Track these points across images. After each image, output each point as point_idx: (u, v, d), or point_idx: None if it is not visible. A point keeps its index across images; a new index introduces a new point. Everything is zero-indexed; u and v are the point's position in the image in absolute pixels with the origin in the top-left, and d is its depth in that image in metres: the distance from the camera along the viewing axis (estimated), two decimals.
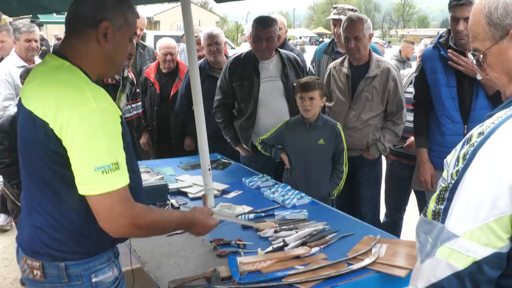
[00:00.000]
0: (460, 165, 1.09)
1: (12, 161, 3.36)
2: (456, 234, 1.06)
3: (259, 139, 3.45)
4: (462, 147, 1.12)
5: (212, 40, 4.19)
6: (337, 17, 4.11)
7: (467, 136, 1.13)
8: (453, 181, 1.09)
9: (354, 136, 3.43)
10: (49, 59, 1.62)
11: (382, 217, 3.93)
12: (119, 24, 1.60)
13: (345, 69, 3.49)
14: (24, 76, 3.57)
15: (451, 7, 2.86)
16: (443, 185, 1.13)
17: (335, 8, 4.41)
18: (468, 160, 1.07)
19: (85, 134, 1.42)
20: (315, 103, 3.14)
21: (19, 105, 1.63)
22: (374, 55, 3.50)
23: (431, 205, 1.13)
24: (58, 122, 1.42)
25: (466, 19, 2.75)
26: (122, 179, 1.48)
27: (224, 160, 3.87)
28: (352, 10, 4.17)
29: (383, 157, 3.73)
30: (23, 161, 1.62)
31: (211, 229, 1.90)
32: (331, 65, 3.67)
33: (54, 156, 1.47)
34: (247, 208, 2.75)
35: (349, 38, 3.37)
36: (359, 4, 76.11)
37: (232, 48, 17.44)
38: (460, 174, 1.08)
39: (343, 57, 3.61)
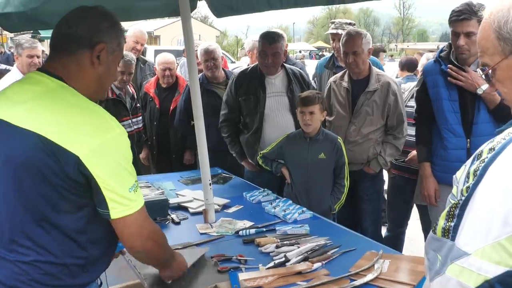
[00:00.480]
0: (471, 181, 1.06)
1: None
2: (467, 252, 1.02)
3: (260, 154, 3.43)
4: (472, 163, 1.09)
5: (209, 56, 4.19)
6: (334, 31, 4.13)
7: (477, 151, 1.11)
8: (463, 198, 1.07)
9: (354, 151, 3.42)
10: (40, 78, 1.53)
11: (384, 231, 3.90)
12: (113, 48, 1.60)
13: (345, 83, 3.49)
14: None
15: (451, 22, 2.86)
16: (452, 201, 1.10)
17: (333, 23, 4.44)
18: (479, 176, 1.05)
19: (117, 159, 1.45)
20: (316, 117, 3.13)
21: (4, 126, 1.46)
22: (374, 69, 3.51)
23: (441, 222, 1.11)
24: (86, 149, 1.38)
25: (467, 34, 2.77)
26: (141, 194, 1.55)
27: (225, 175, 3.86)
28: (350, 24, 4.19)
29: (384, 171, 3.71)
30: (12, 188, 1.44)
31: (181, 272, 1.95)
32: (331, 79, 3.68)
33: (69, 182, 1.41)
34: (248, 223, 2.72)
35: (348, 53, 3.39)
36: (358, 18, 76.80)
37: (232, 62, 17.50)
38: (471, 191, 1.05)
39: (343, 71, 3.62)
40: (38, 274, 1.45)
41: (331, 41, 4.37)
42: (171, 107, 4.55)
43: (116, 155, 1.45)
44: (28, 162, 1.41)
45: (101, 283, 1.73)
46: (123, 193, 1.45)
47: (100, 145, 1.40)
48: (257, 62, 3.74)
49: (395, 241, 3.74)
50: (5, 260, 1.46)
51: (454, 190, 1.14)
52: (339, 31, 4.02)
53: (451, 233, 1.07)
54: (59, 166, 1.39)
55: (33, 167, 1.41)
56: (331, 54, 4.41)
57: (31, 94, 1.50)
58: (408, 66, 5.38)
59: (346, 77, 3.52)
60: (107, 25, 1.58)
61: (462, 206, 1.06)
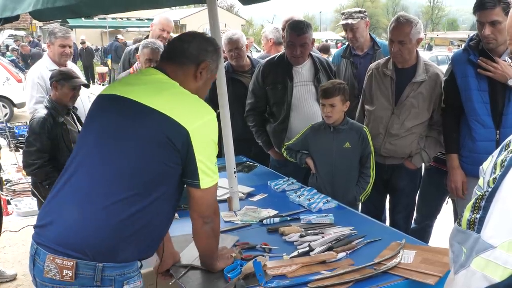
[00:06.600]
0: (498, 172, 1.04)
1: (43, 163, 3.38)
2: (492, 245, 1.01)
3: (285, 145, 3.40)
4: (500, 153, 1.07)
5: (233, 45, 4.16)
6: (345, 22, 4.05)
7: (505, 142, 1.08)
8: (489, 189, 1.05)
9: (396, 144, 3.24)
10: (155, 72, 1.86)
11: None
12: (212, 68, 1.92)
13: (389, 72, 3.25)
14: (56, 77, 3.54)
15: (475, 11, 2.78)
16: (478, 193, 1.08)
17: (343, 13, 4.36)
18: (507, 167, 1.02)
19: (211, 136, 1.75)
20: (336, 109, 3.07)
21: (122, 99, 1.76)
22: (422, 58, 3.25)
23: (466, 214, 1.09)
24: (193, 127, 1.67)
25: (492, 23, 2.70)
26: None
27: (250, 163, 3.87)
28: (360, 12, 4.09)
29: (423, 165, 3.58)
30: (122, 151, 1.68)
31: (229, 264, 2.03)
32: (373, 65, 3.44)
33: (176, 154, 1.67)
34: (272, 212, 2.74)
35: (393, 41, 3.13)
36: (386, 7, 75.24)
37: (258, 51, 17.43)
38: (498, 182, 1.03)
39: (386, 58, 3.39)
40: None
41: (344, 32, 4.30)
42: None
43: (211, 133, 1.75)
44: (143, 133, 1.67)
45: (141, 265, 1.80)
46: (211, 165, 1.74)
47: (203, 124, 1.71)
48: (279, 52, 3.70)
49: (422, 234, 3.65)
50: (77, 218, 1.64)
51: (480, 181, 1.12)
52: (349, 21, 3.94)
53: (476, 225, 1.05)
54: (172, 139, 1.65)
55: (147, 138, 1.67)
56: (346, 44, 4.34)
57: (146, 79, 1.85)
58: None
59: (390, 65, 3.27)
60: (211, 48, 1.91)
61: (488, 198, 1.04)
